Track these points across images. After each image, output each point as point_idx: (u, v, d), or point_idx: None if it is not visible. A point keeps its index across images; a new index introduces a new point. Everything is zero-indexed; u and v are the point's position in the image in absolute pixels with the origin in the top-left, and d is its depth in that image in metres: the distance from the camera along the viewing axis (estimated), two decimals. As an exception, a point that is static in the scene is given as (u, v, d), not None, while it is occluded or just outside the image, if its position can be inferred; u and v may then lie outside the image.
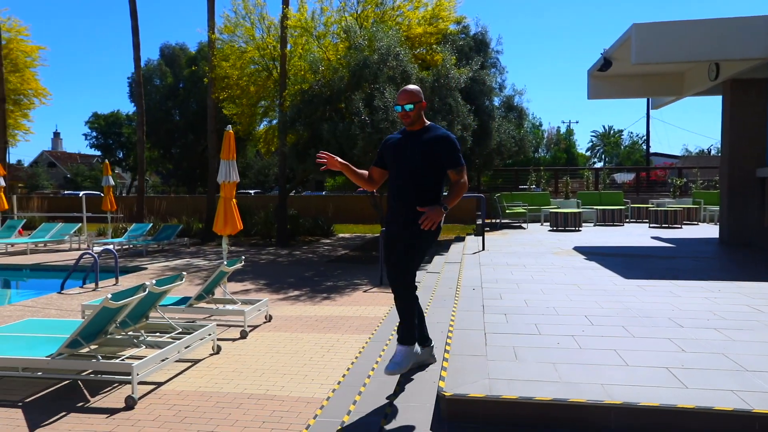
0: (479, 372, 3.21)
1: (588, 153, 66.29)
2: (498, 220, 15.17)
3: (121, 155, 61.02)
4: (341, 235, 18.42)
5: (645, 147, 41.32)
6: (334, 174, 28.15)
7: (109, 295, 4.58)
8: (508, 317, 4.57)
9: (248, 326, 6.43)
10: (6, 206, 16.27)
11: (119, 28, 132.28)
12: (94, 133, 60.81)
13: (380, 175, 3.83)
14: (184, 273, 5.87)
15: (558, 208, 15.93)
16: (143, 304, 5.34)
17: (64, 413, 4.23)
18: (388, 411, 3.14)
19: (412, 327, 3.55)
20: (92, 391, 4.67)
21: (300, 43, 16.84)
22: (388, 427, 2.85)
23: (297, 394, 4.54)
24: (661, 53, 8.98)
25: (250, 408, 4.28)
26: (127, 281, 9.86)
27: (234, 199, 7.65)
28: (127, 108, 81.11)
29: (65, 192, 38.54)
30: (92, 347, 5.07)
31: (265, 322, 6.92)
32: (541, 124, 55.28)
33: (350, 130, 10.97)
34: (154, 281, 5.17)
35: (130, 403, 4.32)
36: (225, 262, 6.58)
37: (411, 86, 3.60)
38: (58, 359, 4.61)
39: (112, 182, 15.86)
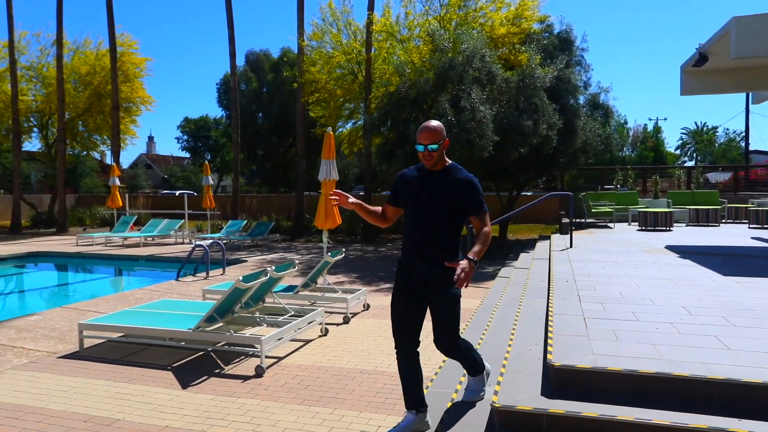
0: (583, 349, 3.49)
1: (677, 151, 62.84)
2: (583, 220, 15.01)
3: (208, 157, 64.78)
4: (422, 233, 18.82)
5: (743, 144, 38.78)
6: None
7: (240, 278, 5.24)
8: (604, 306, 4.78)
9: (350, 313, 6.97)
10: (120, 204, 17.98)
11: (207, 39, 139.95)
12: (185, 137, 64.97)
13: (394, 213, 3.49)
14: (296, 261, 6.49)
15: (647, 207, 15.52)
16: (263, 288, 5.99)
17: (206, 377, 4.90)
18: (497, 387, 3.50)
19: (478, 357, 3.54)
20: (224, 361, 5.34)
21: (384, 47, 17.42)
22: (501, 394, 3.21)
23: (403, 371, 4.98)
24: (763, 46, 8.70)
25: (363, 381, 4.77)
26: (231, 272, 10.76)
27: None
28: (215, 112, 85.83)
29: (163, 191, 41.54)
30: (222, 324, 5.76)
31: (363, 310, 7.44)
32: (626, 122, 53.13)
33: (437, 131, 11.34)
34: (273, 267, 5.80)
35: (259, 372, 4.94)
36: (329, 254, 7.15)
37: (434, 123, 3.20)
38: (198, 332, 5.32)
39: (211, 182, 17.13)
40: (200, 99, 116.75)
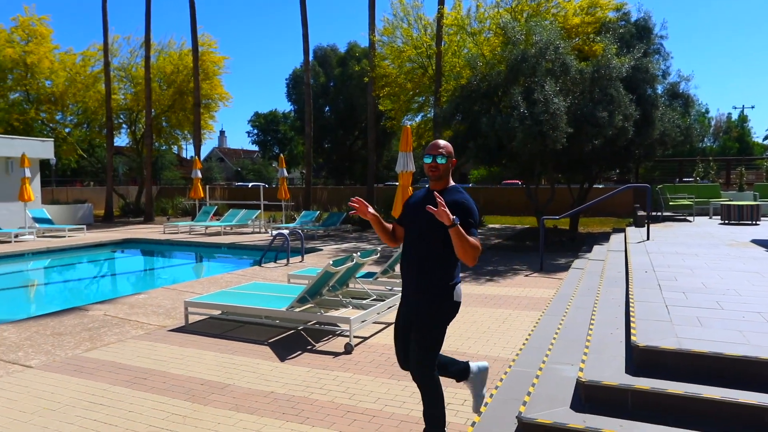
0: (666, 332, 3.62)
1: (766, 142, 58.86)
2: (660, 213, 14.58)
3: (276, 150, 66.94)
4: (491, 225, 18.85)
5: (839, 134, 35.87)
6: (479, 166, 28.49)
7: (331, 262, 5.65)
8: (687, 295, 4.82)
9: (427, 298, 7.26)
10: (201, 195, 19.10)
11: (276, 34, 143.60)
12: (255, 131, 67.38)
13: (402, 233, 3.40)
14: (378, 249, 6.85)
15: (731, 200, 14.86)
16: (348, 273, 6.39)
17: (300, 352, 5.35)
18: (582, 365, 3.69)
19: (443, 418, 3.28)
20: (314, 338, 5.78)
21: (454, 40, 17.52)
22: (586, 371, 3.40)
23: (483, 353, 5.23)
24: None
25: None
26: (309, 259, 11.31)
27: (410, 187, 8.54)
28: (284, 107, 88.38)
29: (236, 183, 43.44)
30: (311, 305, 6.21)
31: (438, 297, 7.71)
32: (708, 112, 50.30)
33: (509, 123, 11.39)
34: (358, 254, 6.18)
35: (348, 349, 5.33)
36: (407, 241, 7.47)
37: (443, 141, 3.24)
38: (291, 311, 5.79)
39: (285, 174, 17.88)
40: (269, 94, 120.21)
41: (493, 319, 6.47)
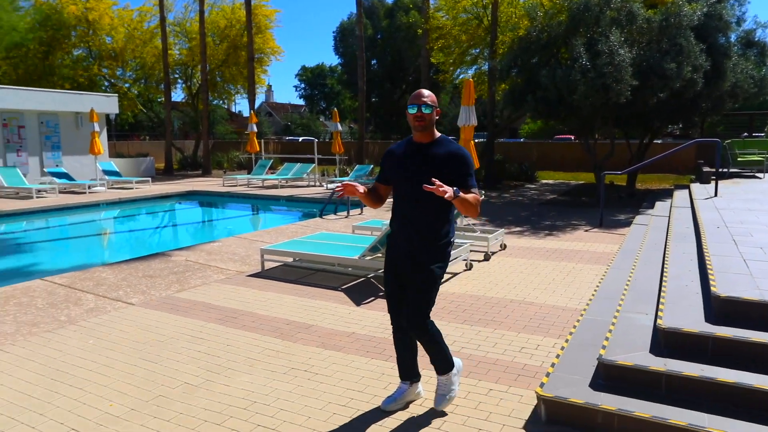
0: (747, 285, 3.67)
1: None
2: (726, 170, 14.07)
3: (323, 104, 67.04)
4: (544, 181, 18.65)
5: None
6: (535, 119, 27.86)
7: (402, 213, 5.86)
8: (765, 250, 4.81)
9: (490, 251, 7.42)
10: (257, 149, 19.56)
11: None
12: (302, 85, 67.51)
13: (385, 191, 3.30)
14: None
15: (803, 156, 14.15)
16: (415, 224, 6.58)
17: (372, 298, 5.65)
18: (660, 314, 3.80)
19: (447, 352, 3.28)
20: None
21: (512, -12, 16.96)
22: (665, 318, 3.52)
23: (551, 303, 5.40)
24: None
25: (515, 309, 5.25)
26: (368, 212, 11.59)
27: (472, 141, 8.58)
28: (330, 60, 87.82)
29: (287, 138, 44.03)
30: (381, 253, 6.47)
31: (500, 250, 7.87)
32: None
33: (570, 76, 11.12)
34: (426, 205, 6.36)
35: (419, 296, 5.59)
36: (471, 195, 7.59)
37: (427, 90, 3.06)
38: (363, 259, 6.07)
39: (340, 128, 18.06)
40: (316, 47, 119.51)
41: (557, 271, 6.59)
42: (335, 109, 19.15)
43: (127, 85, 26.58)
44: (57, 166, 17.79)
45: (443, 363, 3.27)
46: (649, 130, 14.43)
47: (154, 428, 3.14)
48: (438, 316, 5.03)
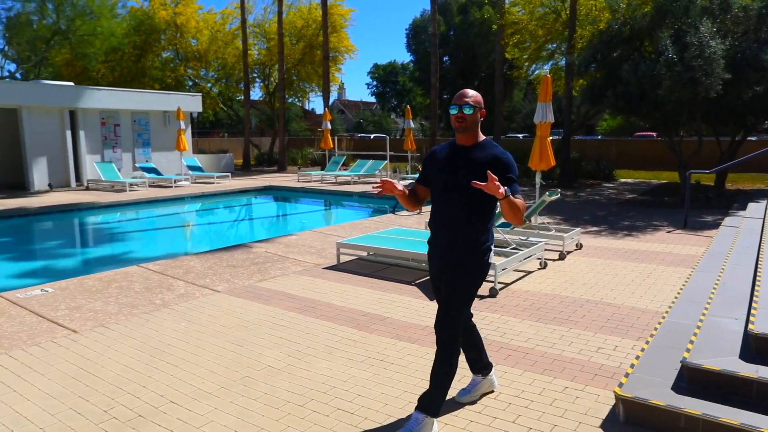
0: None
1: None
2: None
3: (394, 102, 67.36)
4: (623, 180, 17.92)
5: None
6: (615, 116, 26.78)
7: (477, 209, 5.87)
8: None
9: (565, 250, 7.28)
10: (331, 145, 20.02)
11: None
12: (374, 82, 68.14)
13: (425, 193, 3.16)
14: (553, 192, 6.95)
15: None
16: (489, 221, 6.57)
17: (446, 293, 5.71)
18: (752, 318, 3.63)
19: (443, 398, 2.98)
20: (458, 282, 6.10)
21: (592, -20, 16.39)
22: (757, 324, 3.36)
23: (630, 304, 5.24)
24: None
25: (591, 309, 5.15)
26: (439, 209, 11.62)
27: (548, 138, 8.42)
28: (402, 58, 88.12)
29: (359, 135, 44.71)
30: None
31: (576, 249, 7.69)
32: None
33: (654, 70, 10.63)
34: (501, 202, 6.33)
35: (493, 293, 5.59)
36: (546, 193, 7.47)
37: (471, 91, 2.93)
38: (437, 255, 6.13)
39: (412, 125, 18.17)
40: (388, 45, 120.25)
41: (636, 273, 6.38)
42: (407, 106, 19.24)
43: (209, 84, 27.94)
44: (147, 161, 19.01)
45: (440, 385, 2.96)
46: (743, 126, 13.55)
47: (242, 405, 3.37)
48: (512, 312, 5.03)
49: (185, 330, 4.63)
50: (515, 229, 7.73)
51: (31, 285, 6.13)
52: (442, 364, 2.95)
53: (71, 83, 18.21)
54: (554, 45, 18.30)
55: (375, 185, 2.99)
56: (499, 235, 7.09)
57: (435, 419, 2.98)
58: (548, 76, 8.41)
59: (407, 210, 3.29)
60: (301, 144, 31.09)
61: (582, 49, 14.25)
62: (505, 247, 6.74)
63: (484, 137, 2.99)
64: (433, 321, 4.98)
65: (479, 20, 40.23)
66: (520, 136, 36.75)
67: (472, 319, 3.38)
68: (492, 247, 3.04)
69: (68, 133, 16.50)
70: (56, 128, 16.28)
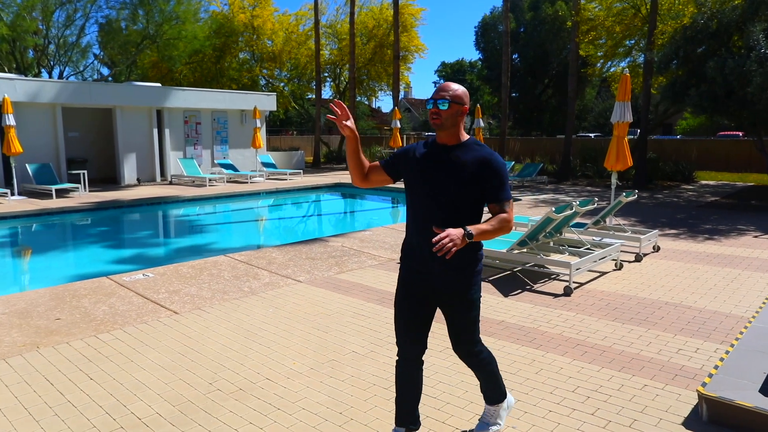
0: None
1: None
2: None
3: (461, 101, 66.84)
4: (704, 182, 17.11)
5: None
6: (698, 115, 25.50)
7: (553, 209, 5.91)
8: None
9: (642, 252, 7.15)
10: (400, 144, 20.27)
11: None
12: (441, 81, 67.96)
13: (378, 177, 2.80)
14: (596, 199, 6.88)
15: None
16: (565, 220, 6.58)
17: (519, 290, 5.79)
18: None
19: (499, 380, 2.92)
20: (530, 279, 6.16)
21: (675, -27, 15.73)
22: None
23: (712, 308, 5.13)
24: None
25: (670, 311, 5.08)
26: (509, 208, 11.60)
27: (626, 138, 8.26)
28: (470, 56, 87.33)
29: (426, 134, 44.83)
30: (527, 249, 6.58)
31: (653, 252, 7.52)
32: None
33: (744, 66, 10.15)
34: (577, 203, 6.33)
35: (567, 292, 5.62)
36: (623, 194, 7.36)
37: (455, 84, 2.59)
38: (511, 252, 6.22)
39: (482, 124, 18.11)
40: (455, 43, 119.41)
41: (719, 277, 6.19)
42: (478, 105, 19.19)
43: (281, 84, 28.92)
44: (224, 158, 19.98)
45: (494, 391, 2.92)
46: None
47: (332, 385, 3.63)
48: (587, 311, 5.05)
49: (273, 316, 4.98)
50: (589, 229, 7.66)
51: (131, 270, 6.72)
52: (488, 380, 2.90)
53: (158, 84, 19.41)
54: (632, 41, 17.70)
55: (332, 104, 2.60)
56: (573, 235, 7.07)
57: (504, 399, 2.97)
58: (627, 74, 8.25)
59: (351, 173, 2.78)
60: (369, 142, 31.57)
61: (662, 46, 13.76)
62: (579, 247, 6.72)
63: (468, 137, 2.65)
64: (507, 316, 5.10)
65: (551, 17, 39.35)
66: (592, 135, 35.66)
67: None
68: (481, 264, 2.72)
69: (155, 131, 17.64)
70: (145, 126, 17.45)
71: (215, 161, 19.42)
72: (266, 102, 21.28)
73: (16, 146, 12.99)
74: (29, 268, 8.40)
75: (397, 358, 2.83)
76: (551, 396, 3.47)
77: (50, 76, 23.34)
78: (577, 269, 5.83)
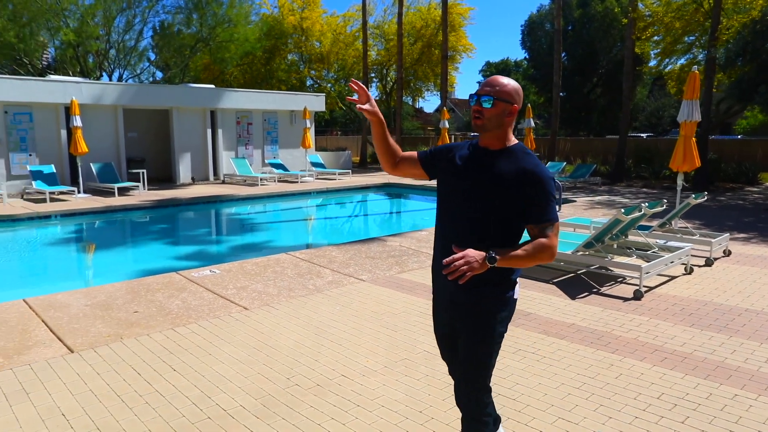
0: None
1: None
2: None
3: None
4: (769, 183, 16.36)
5: None
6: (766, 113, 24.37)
7: (622, 210, 5.76)
8: None
9: (712, 256, 6.87)
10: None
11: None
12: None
13: (412, 171, 2.52)
14: (665, 200, 6.66)
15: None
16: (631, 222, 6.40)
17: (586, 293, 5.66)
18: None
19: None
20: (597, 282, 6.01)
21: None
22: None
23: (796, 316, 4.89)
24: None
25: (752, 318, 4.87)
26: (565, 209, 11.37)
27: (693, 138, 7.97)
28: (515, 55, 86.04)
29: (471, 134, 44.41)
30: (592, 251, 6.43)
31: (723, 256, 7.23)
32: None
33: (819, 62, 9.66)
34: (646, 204, 6.15)
35: (637, 295, 5.46)
36: (693, 195, 7.10)
37: (504, 79, 2.23)
38: (576, 254, 6.10)
39: (532, 124, 17.82)
40: (499, 42, 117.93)
41: (800, 284, 5.90)
42: (529, 105, 18.90)
43: (329, 84, 29.21)
44: (275, 158, 20.33)
45: None
46: None
47: (407, 384, 3.64)
48: (661, 316, 4.90)
49: (340, 313, 5.03)
50: (654, 231, 7.43)
51: (195, 266, 6.93)
52: (474, 424, 2.38)
53: (212, 86, 19.92)
54: (692, 38, 17.05)
55: (351, 83, 2.38)
56: (640, 237, 6.87)
57: None
58: (696, 71, 7.96)
59: (378, 154, 2.48)
60: (414, 142, 31.53)
61: (726, 42, 13.21)
62: (646, 250, 6.52)
63: (516, 141, 2.30)
64: (576, 319, 5.00)
65: (600, 14, 38.35)
66: (644, 135, 34.58)
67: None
68: (516, 281, 2.33)
69: (209, 131, 18.11)
70: (199, 127, 17.94)
71: (266, 161, 19.78)
72: (315, 102, 21.54)
73: (82, 146, 13.57)
74: (102, 263, 8.76)
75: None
76: (635, 402, 3.37)
77: (110, 80, 24.29)
78: (647, 273, 5.65)
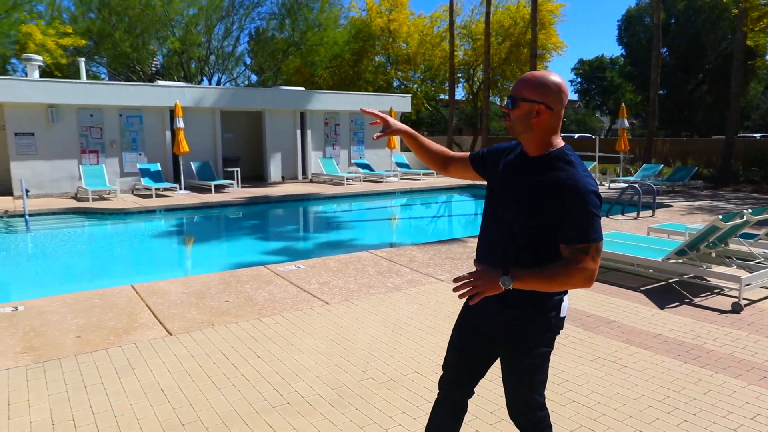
0: None
1: None
2: None
3: (599, 99, 63.02)
4: None
5: None
6: None
7: (720, 216, 5.40)
8: None
9: (828, 269, 6.25)
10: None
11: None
12: (579, 79, 64.58)
13: (464, 174, 2.38)
14: None
15: None
16: (732, 230, 5.97)
17: (677, 303, 5.36)
18: None
19: None
20: (689, 292, 5.66)
21: None
22: None
23: None
24: None
25: None
26: (660, 215, 10.76)
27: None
28: (611, 52, 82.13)
29: (562, 134, 43.00)
30: (685, 259, 6.07)
31: (842, 269, 6.55)
32: None
33: None
34: (749, 210, 5.71)
35: (736, 308, 5.09)
36: (805, 202, 6.50)
37: (538, 74, 2.00)
38: (667, 262, 5.78)
39: (626, 124, 16.99)
40: (594, 39, 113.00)
41: None
42: (623, 104, 18.02)
43: (415, 85, 29.40)
44: (360, 158, 20.79)
45: None
46: None
47: (481, 384, 3.63)
48: (763, 332, 4.55)
49: (418, 312, 5.11)
50: (761, 240, 6.87)
51: (281, 261, 7.28)
52: None
53: (302, 88, 20.71)
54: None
55: (366, 112, 2.35)
56: (743, 246, 6.39)
57: None
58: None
59: (430, 166, 2.43)
60: (501, 142, 31.02)
61: None
62: (750, 260, 6.05)
63: (560, 146, 2.04)
64: (664, 329, 4.75)
65: (708, 5, 35.77)
66: (757, 135, 31.80)
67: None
68: (563, 301, 2.10)
69: (298, 132, 18.85)
70: (289, 128, 18.72)
71: (352, 161, 20.27)
72: (401, 103, 21.78)
73: (184, 146, 14.62)
74: (198, 254, 9.43)
75: (438, 393, 2.41)
76: (724, 420, 3.18)
77: (210, 84, 25.94)
78: (747, 284, 5.26)
